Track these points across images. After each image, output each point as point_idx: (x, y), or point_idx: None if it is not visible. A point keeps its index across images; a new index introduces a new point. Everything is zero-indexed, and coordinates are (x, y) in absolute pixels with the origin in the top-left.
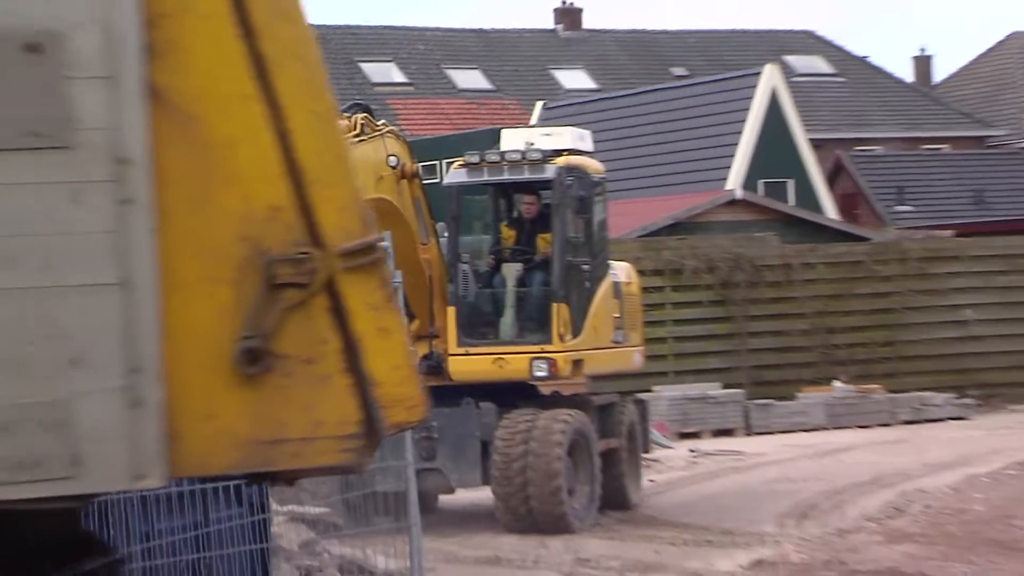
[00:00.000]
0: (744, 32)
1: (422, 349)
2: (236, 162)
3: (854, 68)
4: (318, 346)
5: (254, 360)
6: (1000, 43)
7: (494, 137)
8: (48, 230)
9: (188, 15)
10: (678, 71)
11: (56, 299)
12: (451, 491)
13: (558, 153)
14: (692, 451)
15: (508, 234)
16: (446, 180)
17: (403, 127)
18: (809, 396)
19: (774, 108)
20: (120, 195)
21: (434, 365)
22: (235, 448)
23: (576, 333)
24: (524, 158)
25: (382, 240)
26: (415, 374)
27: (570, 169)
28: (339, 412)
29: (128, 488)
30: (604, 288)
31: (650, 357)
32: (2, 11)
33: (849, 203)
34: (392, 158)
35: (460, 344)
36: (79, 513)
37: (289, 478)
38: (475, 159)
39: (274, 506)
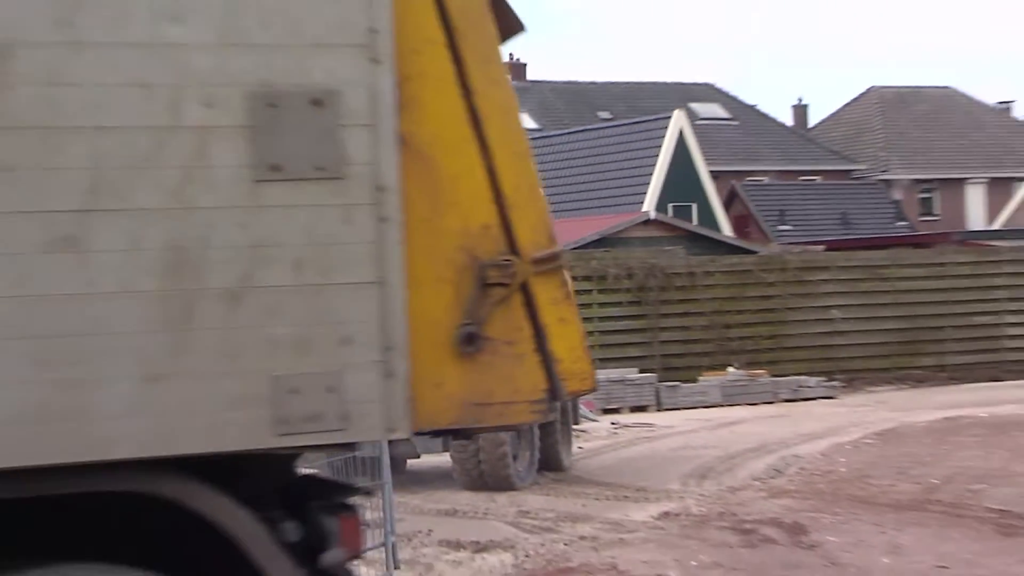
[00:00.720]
0: (658, 84)
1: None
2: (457, 191)
3: (745, 114)
4: (516, 332)
5: (470, 342)
6: (861, 95)
7: None
8: (327, 240)
9: (426, 78)
10: (604, 115)
11: (332, 294)
12: (417, 457)
13: None
14: (613, 424)
15: None
16: None
17: None
18: (708, 379)
19: (681, 145)
20: (379, 214)
21: None
22: (456, 409)
23: None
24: None
25: (563, 251)
26: (587, 354)
27: None
28: (531, 382)
29: (382, 438)
30: None
31: None
32: (295, 74)
33: (741, 223)
34: None
35: None
36: (294, 464)
37: (484, 432)
38: None
39: None
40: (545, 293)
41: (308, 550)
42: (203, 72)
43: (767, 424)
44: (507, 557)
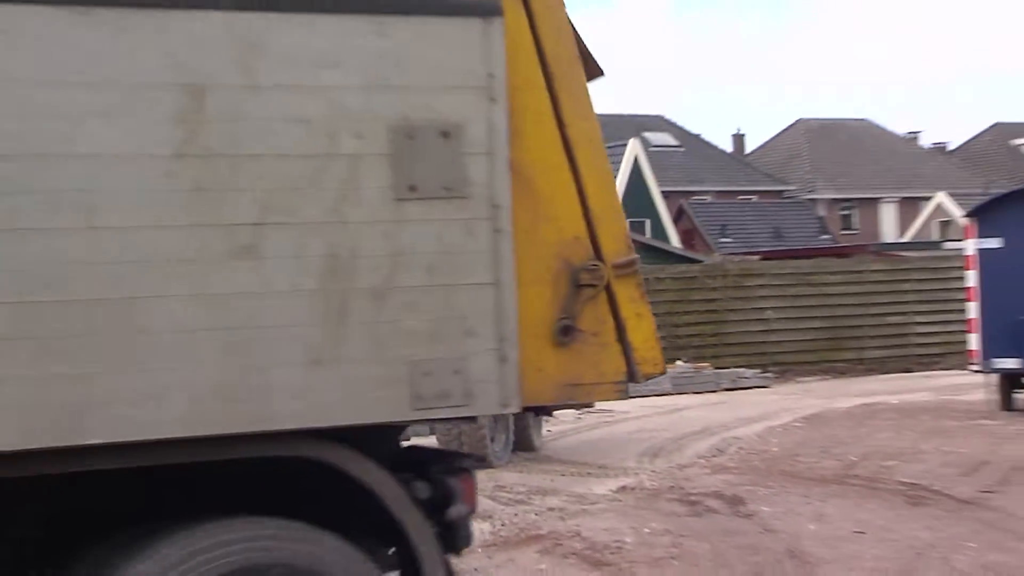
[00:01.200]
0: (615, 116)
1: None
2: (554, 207)
3: (691, 142)
4: (601, 325)
5: (566, 333)
6: (791, 126)
7: None
8: (453, 249)
9: (528, 113)
10: None
11: (458, 293)
12: (408, 439)
13: None
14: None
15: None
16: None
17: None
18: None
19: (636, 169)
20: (494, 227)
21: None
22: (553, 389)
23: None
24: None
25: (638, 258)
26: (658, 343)
27: None
28: (613, 367)
29: (498, 412)
30: None
31: None
32: (427, 111)
33: (688, 237)
34: None
35: None
36: (399, 437)
37: (570, 408)
38: None
39: None
40: (624, 292)
41: (435, 506)
42: (353, 109)
43: (710, 410)
44: (486, 526)
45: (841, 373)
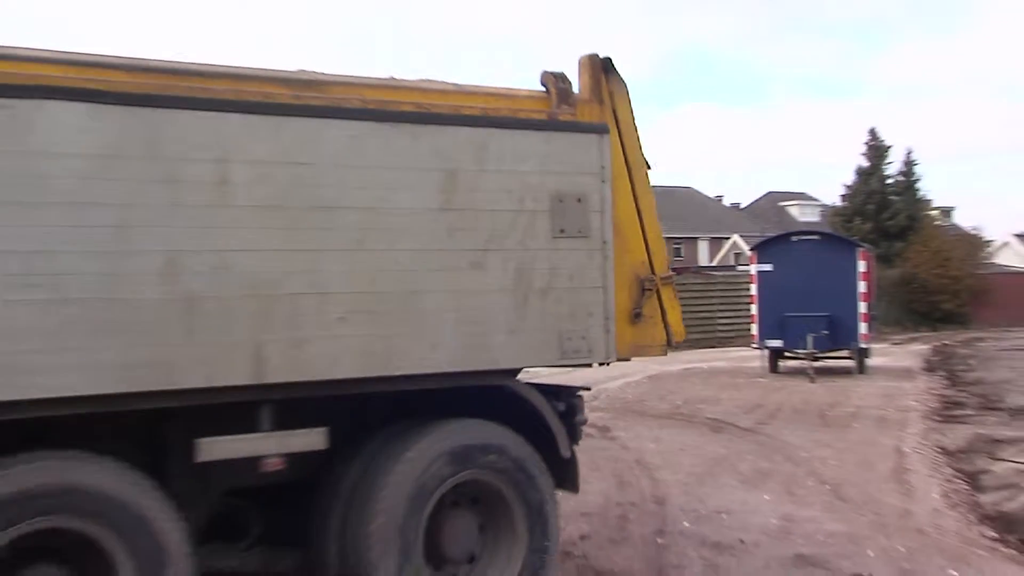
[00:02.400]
0: None
1: None
2: (631, 244)
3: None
4: (654, 312)
5: (637, 317)
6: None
7: None
8: (582, 267)
9: (618, 189)
10: None
11: (584, 292)
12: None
13: None
14: None
15: None
16: None
17: None
18: None
19: None
20: (603, 255)
21: None
22: (630, 349)
23: None
24: None
25: (674, 273)
26: (682, 323)
27: None
28: (660, 336)
29: (603, 362)
30: None
31: None
32: (570, 186)
33: None
34: None
35: None
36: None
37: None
38: None
39: None
40: (666, 294)
41: (564, 415)
42: (532, 185)
43: (589, 372)
44: None
45: (673, 348)
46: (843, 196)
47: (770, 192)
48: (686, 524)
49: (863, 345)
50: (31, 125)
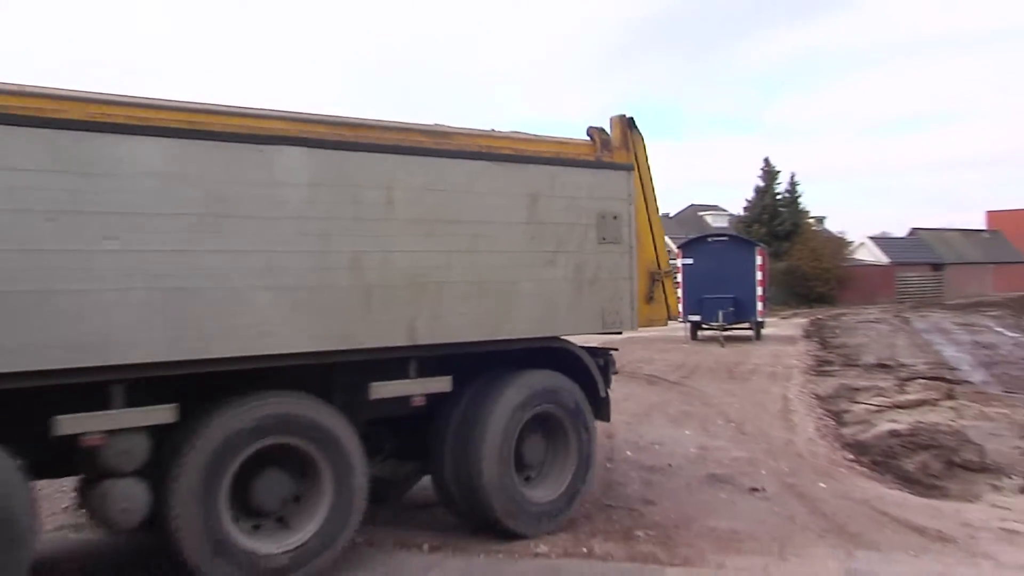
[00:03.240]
0: None
1: None
2: (644, 247)
3: None
4: (659, 295)
5: (650, 299)
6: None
7: None
8: (618, 265)
9: (639, 210)
10: None
11: (619, 282)
12: None
13: None
14: None
15: None
16: None
17: None
18: None
19: None
20: (631, 256)
21: None
22: (644, 321)
23: None
24: None
25: (673, 268)
26: (677, 304)
27: None
28: (663, 313)
29: (630, 330)
30: None
31: None
32: (609, 206)
33: None
34: None
35: None
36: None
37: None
38: None
39: None
40: (668, 283)
41: (602, 368)
42: (584, 206)
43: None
44: None
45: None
46: (745, 208)
47: (691, 204)
48: (628, 453)
49: (759, 319)
50: (272, 162)
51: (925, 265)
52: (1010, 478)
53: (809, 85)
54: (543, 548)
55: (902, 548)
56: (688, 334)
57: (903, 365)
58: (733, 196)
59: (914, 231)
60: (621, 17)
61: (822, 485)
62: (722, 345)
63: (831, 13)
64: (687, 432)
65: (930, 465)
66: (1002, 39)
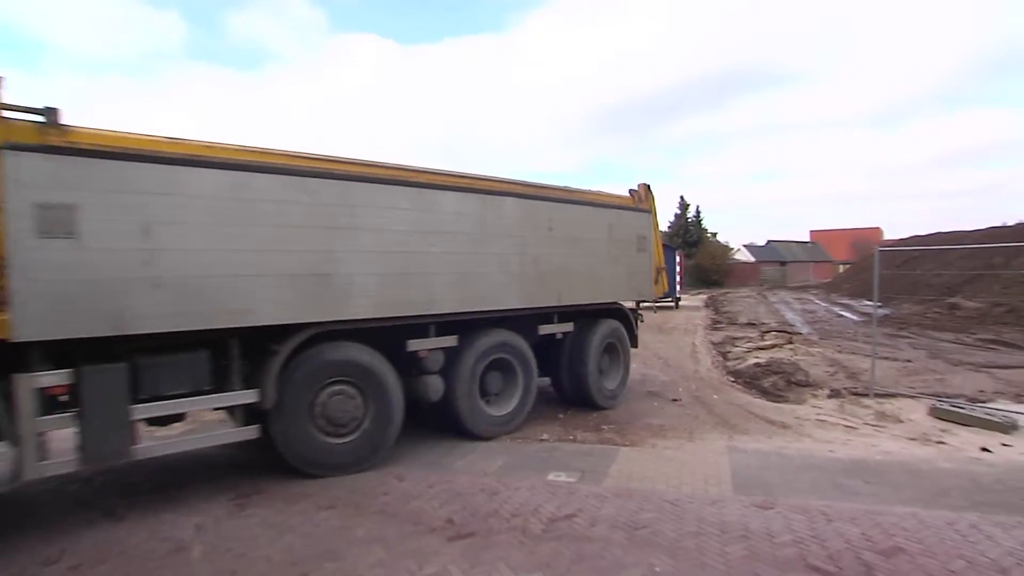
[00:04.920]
0: None
1: None
2: (654, 255)
3: None
4: (661, 279)
5: (657, 281)
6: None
7: None
8: (643, 265)
9: (653, 235)
10: None
11: (646, 273)
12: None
13: None
14: None
15: None
16: None
17: None
18: None
19: None
20: (651, 260)
21: None
22: (656, 294)
23: None
24: None
25: (665, 267)
26: (668, 284)
27: None
28: (663, 289)
29: (649, 300)
30: None
31: None
32: (640, 231)
33: None
34: None
35: None
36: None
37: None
38: None
39: None
40: (663, 274)
41: (637, 317)
42: (628, 234)
43: None
44: None
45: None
46: (669, 226)
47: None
48: None
49: (679, 296)
50: (501, 206)
51: (776, 263)
52: (823, 389)
53: (708, 151)
54: (545, 436)
55: (761, 432)
56: (633, 305)
57: (763, 323)
58: (662, 221)
59: (770, 242)
60: (592, 105)
61: (715, 396)
62: (655, 312)
63: (721, 109)
64: (634, 365)
65: (777, 383)
66: (825, 126)
